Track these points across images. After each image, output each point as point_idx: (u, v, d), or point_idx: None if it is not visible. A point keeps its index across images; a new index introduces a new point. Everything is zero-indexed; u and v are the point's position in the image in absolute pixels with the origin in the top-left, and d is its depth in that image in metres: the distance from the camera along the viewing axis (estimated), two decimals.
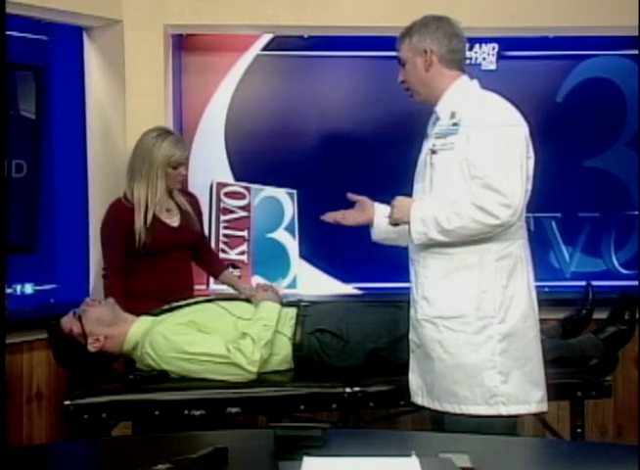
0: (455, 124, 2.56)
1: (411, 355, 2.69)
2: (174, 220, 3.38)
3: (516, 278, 2.56)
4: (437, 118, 2.66)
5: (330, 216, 2.83)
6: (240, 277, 3.90)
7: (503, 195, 2.45)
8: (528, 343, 2.57)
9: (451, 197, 2.51)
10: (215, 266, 3.66)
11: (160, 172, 3.30)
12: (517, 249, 2.58)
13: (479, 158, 2.49)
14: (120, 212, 3.31)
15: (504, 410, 2.53)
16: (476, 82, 2.69)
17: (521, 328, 2.55)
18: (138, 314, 3.11)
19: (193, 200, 3.53)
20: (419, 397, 2.66)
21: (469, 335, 2.53)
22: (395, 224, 2.64)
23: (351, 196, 2.80)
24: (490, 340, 2.52)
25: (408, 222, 2.56)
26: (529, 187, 2.59)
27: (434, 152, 2.59)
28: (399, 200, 2.61)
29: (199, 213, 3.54)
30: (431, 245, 2.58)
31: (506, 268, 2.55)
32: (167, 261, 3.33)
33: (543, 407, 2.60)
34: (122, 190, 3.39)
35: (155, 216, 3.32)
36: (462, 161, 2.51)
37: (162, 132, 3.37)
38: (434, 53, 2.63)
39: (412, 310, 2.68)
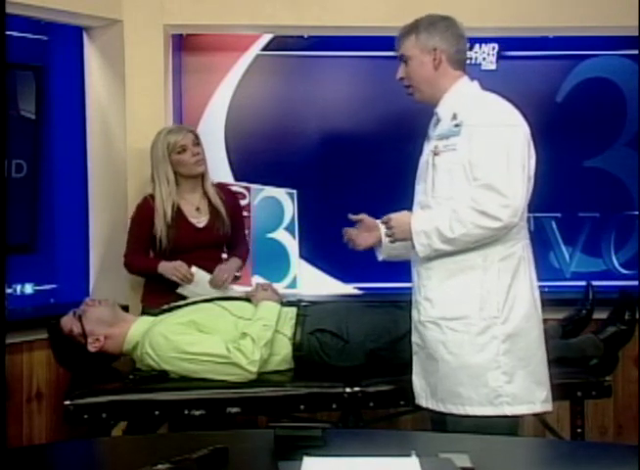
0: (457, 126, 2.55)
1: (414, 357, 2.68)
2: (201, 220, 3.40)
3: (519, 278, 2.56)
4: (439, 120, 2.65)
5: (348, 234, 2.77)
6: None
7: (503, 195, 2.45)
8: (532, 342, 2.57)
9: (451, 205, 2.51)
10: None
11: (165, 163, 3.34)
12: (520, 249, 2.58)
13: (480, 158, 2.48)
14: (146, 209, 3.37)
15: (509, 410, 2.52)
16: (476, 83, 2.68)
17: (524, 328, 2.54)
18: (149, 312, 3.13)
19: (229, 198, 3.53)
20: (423, 399, 2.65)
21: (472, 336, 2.52)
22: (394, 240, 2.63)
23: (352, 217, 2.76)
24: (494, 340, 2.52)
25: (410, 238, 2.55)
26: (531, 187, 2.59)
27: (436, 153, 2.58)
28: (396, 219, 2.59)
29: (234, 212, 3.51)
30: None
31: (509, 269, 2.55)
32: (192, 261, 3.34)
33: (547, 407, 2.59)
34: (122, 190, 3.40)
35: (181, 215, 3.36)
36: (465, 162, 2.51)
37: (164, 128, 3.43)
38: (443, 52, 2.62)
39: (414, 312, 2.67)
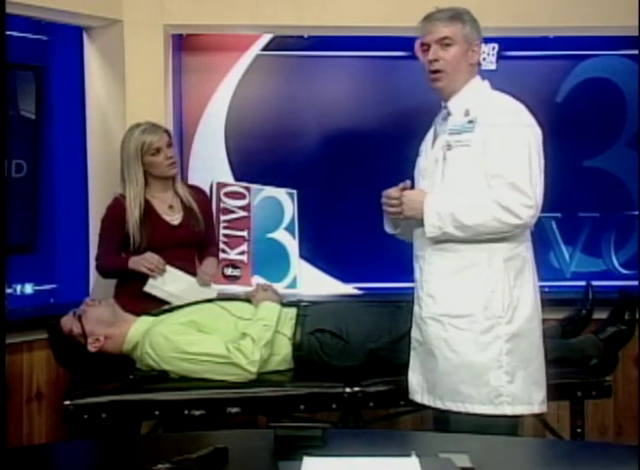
0: (471, 122, 2.56)
1: (412, 353, 2.68)
2: (175, 218, 3.37)
3: (523, 279, 2.57)
4: (449, 114, 2.65)
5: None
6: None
7: (527, 196, 2.47)
8: (533, 344, 2.58)
9: (469, 193, 2.51)
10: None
11: (135, 164, 3.29)
12: (524, 250, 2.59)
13: (501, 157, 2.49)
14: (117, 209, 3.32)
15: (509, 410, 2.53)
16: (487, 83, 2.70)
17: (527, 329, 2.55)
18: (138, 314, 3.11)
19: (201, 197, 3.50)
20: (418, 394, 2.66)
21: (476, 334, 2.52)
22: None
23: (401, 185, 2.63)
24: (498, 340, 2.52)
25: (421, 217, 2.55)
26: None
27: (449, 148, 2.58)
28: (409, 195, 2.59)
29: (206, 211, 3.50)
30: (439, 242, 2.57)
31: (514, 269, 2.55)
32: (168, 260, 3.29)
33: (544, 408, 2.61)
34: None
35: (154, 213, 3.33)
36: (480, 159, 2.51)
37: (135, 125, 3.36)
38: (479, 48, 2.66)
39: (416, 308, 2.67)
